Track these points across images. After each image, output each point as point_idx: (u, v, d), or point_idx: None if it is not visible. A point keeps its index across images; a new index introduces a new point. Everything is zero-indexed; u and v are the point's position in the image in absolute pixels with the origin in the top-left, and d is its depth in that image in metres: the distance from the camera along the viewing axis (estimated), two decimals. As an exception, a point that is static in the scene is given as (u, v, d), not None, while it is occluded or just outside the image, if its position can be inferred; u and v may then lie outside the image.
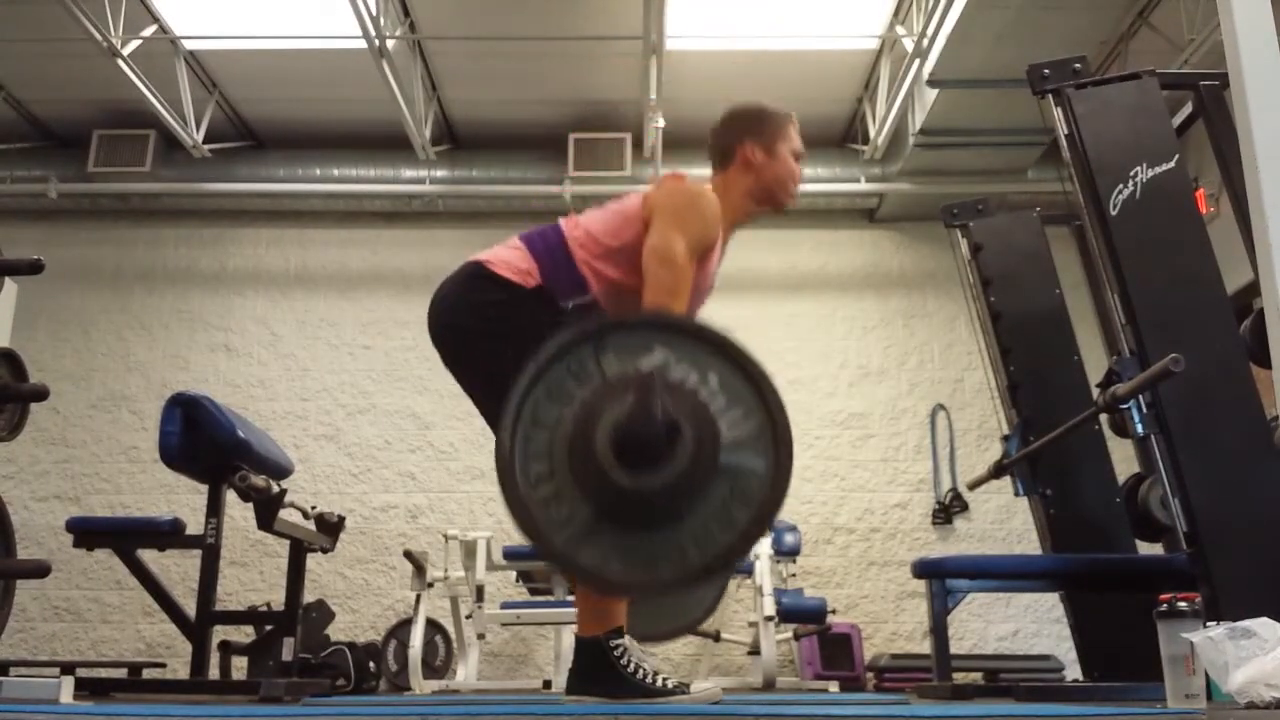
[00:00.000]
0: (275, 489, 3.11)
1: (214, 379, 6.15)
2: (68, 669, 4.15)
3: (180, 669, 5.03)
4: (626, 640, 2.05)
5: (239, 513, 4.28)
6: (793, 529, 5.42)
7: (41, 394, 3.05)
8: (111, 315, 6.28)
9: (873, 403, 6.21)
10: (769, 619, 4.47)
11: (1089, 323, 4.04)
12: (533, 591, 5.11)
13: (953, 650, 3.31)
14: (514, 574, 5.15)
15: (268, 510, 3.08)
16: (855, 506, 6.05)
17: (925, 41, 4.74)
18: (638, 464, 1.57)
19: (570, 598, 4.20)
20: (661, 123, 5.42)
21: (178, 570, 5.47)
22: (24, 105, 5.91)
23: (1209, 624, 1.97)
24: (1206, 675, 1.95)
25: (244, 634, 4.56)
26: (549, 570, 4.57)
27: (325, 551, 3.57)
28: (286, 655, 3.11)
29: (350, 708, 1.66)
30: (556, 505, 1.61)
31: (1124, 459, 3.97)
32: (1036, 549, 4.03)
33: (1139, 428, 2.73)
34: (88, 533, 3.26)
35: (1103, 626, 3.47)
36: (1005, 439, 3.88)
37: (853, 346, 6.30)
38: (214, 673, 3.44)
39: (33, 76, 5.64)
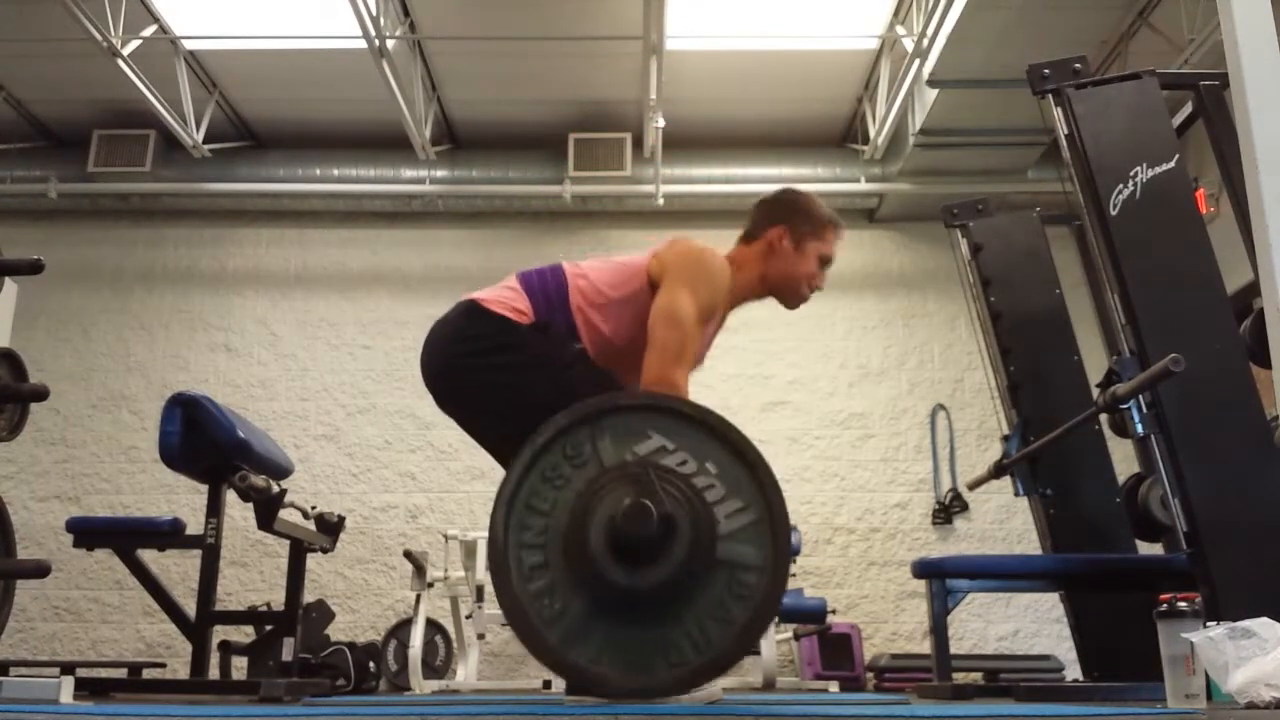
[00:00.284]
0: (275, 489, 3.11)
1: (214, 379, 6.16)
2: (68, 669, 4.15)
3: (180, 669, 5.04)
4: None
5: (239, 513, 4.28)
6: (793, 529, 5.42)
7: (41, 394, 3.05)
8: (111, 315, 6.28)
9: (873, 403, 6.21)
10: (769, 619, 4.47)
11: (1089, 323, 4.04)
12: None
13: (953, 650, 3.31)
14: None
15: (268, 510, 3.08)
16: (855, 506, 6.05)
17: (925, 41, 4.74)
18: (633, 560, 1.55)
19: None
20: (661, 122, 5.42)
21: (178, 570, 5.47)
22: (24, 105, 5.91)
23: (1209, 624, 1.97)
24: (1206, 675, 1.94)
25: (244, 634, 4.56)
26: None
27: (325, 551, 3.57)
28: (286, 655, 3.11)
29: (350, 708, 1.66)
30: (550, 599, 1.58)
31: (1124, 459, 3.97)
32: (1036, 549, 4.03)
33: (1139, 428, 2.73)
34: (88, 533, 3.26)
35: (1103, 626, 3.47)
36: (1005, 439, 3.88)
37: (853, 346, 6.30)
38: (214, 673, 3.44)
39: (33, 76, 5.64)
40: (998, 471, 3.89)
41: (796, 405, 6.20)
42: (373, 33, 4.74)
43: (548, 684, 4.75)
